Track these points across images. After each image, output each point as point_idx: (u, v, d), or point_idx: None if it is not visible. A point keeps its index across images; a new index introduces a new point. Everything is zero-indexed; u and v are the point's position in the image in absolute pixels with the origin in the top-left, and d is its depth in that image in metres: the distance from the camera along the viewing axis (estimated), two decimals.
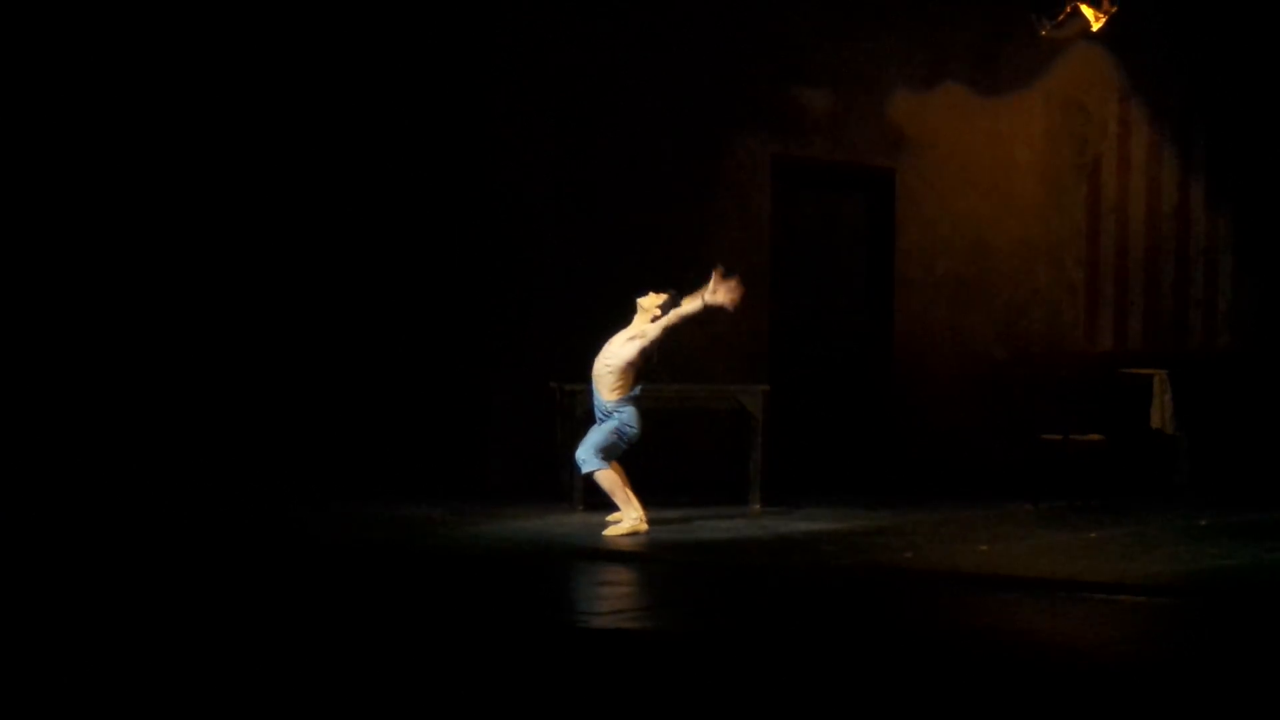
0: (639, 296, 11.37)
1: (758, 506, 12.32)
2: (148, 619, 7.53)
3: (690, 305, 11.18)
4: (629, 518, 11.08)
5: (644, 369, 11.26)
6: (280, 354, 13.78)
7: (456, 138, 13.55)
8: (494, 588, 8.90)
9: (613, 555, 10.12)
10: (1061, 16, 14.43)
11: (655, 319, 11.23)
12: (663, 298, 11.30)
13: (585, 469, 11.21)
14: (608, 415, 11.17)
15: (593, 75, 13.61)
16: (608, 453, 11.17)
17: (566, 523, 11.45)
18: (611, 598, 8.82)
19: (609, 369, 11.15)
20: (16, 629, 7.19)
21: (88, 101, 13.25)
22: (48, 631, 7.19)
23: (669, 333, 11.20)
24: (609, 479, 11.14)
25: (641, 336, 11.18)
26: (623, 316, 13.45)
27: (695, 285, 11.26)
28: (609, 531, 11.01)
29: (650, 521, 11.16)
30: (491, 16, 13.43)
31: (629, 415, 11.14)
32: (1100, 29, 14.61)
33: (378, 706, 5.93)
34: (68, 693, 6.01)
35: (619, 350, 11.16)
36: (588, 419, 11.85)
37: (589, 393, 11.39)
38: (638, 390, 11.20)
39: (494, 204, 13.37)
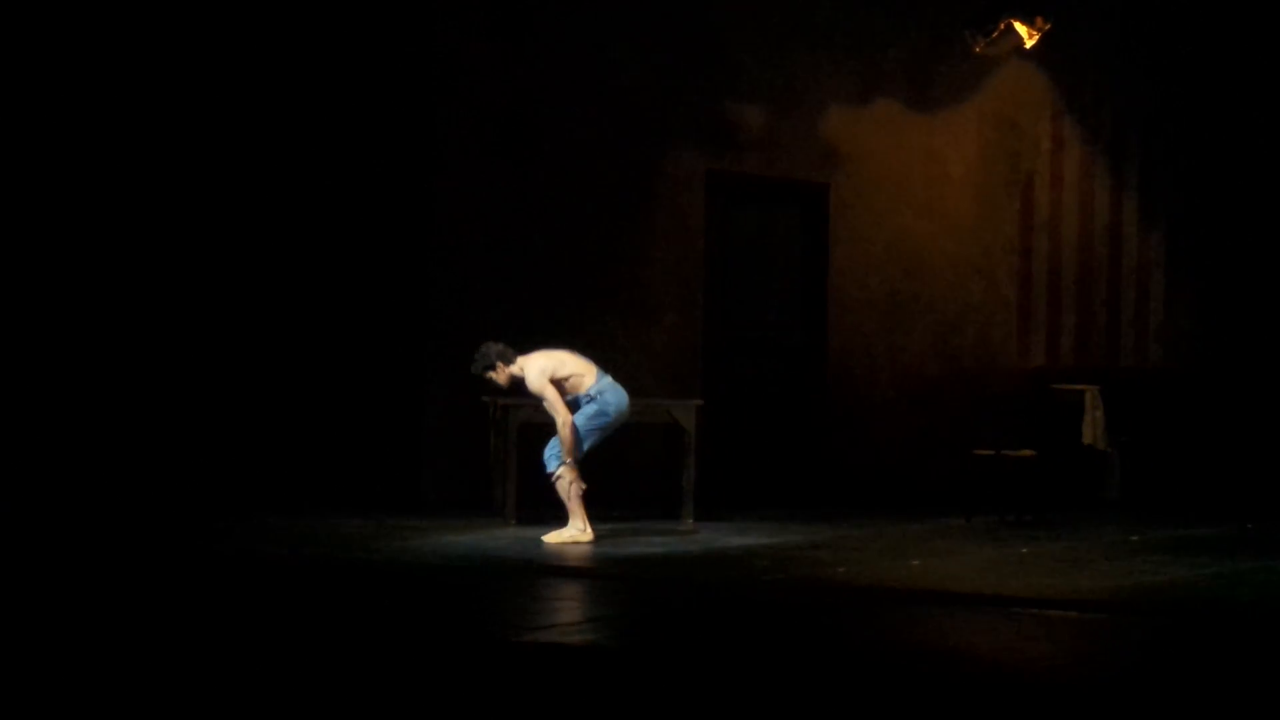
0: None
1: (691, 521, 12.31)
2: (65, 637, 7.45)
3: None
4: (573, 526, 11.04)
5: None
6: (213, 365, 13.70)
7: (394, 151, 13.50)
8: (425, 602, 8.85)
9: (546, 570, 10.08)
10: (995, 33, 14.50)
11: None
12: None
13: (549, 468, 11.17)
14: (589, 401, 11.20)
15: (530, 90, 13.59)
16: (585, 437, 11.13)
17: (500, 537, 11.40)
18: (544, 612, 8.79)
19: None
20: None
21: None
22: None
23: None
24: (566, 484, 11.09)
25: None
26: (559, 332, 13.45)
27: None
28: (548, 537, 10.99)
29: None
30: (431, 30, 13.38)
31: (609, 392, 11.16)
32: (1034, 46, 14.69)
33: None
34: None
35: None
36: (522, 433, 11.83)
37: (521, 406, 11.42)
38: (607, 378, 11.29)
39: (431, 217, 13.32)
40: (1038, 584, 9.54)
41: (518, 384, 11.27)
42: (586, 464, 11.38)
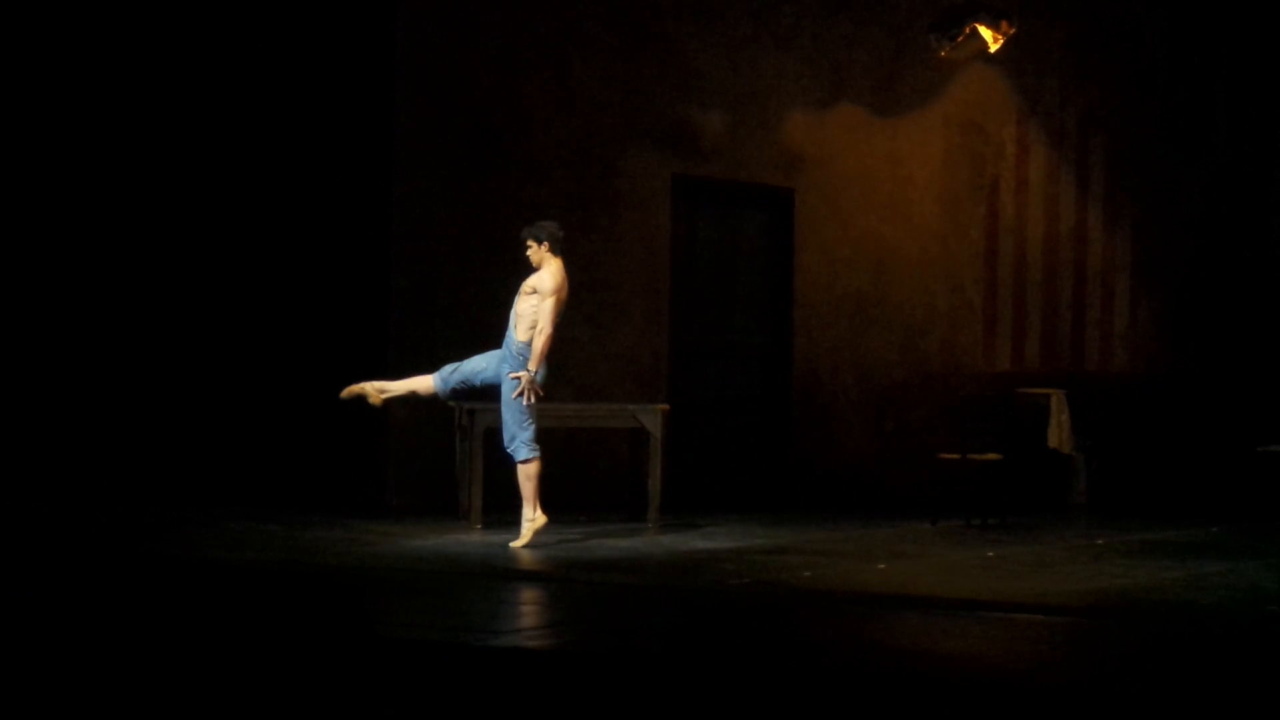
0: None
1: (656, 525, 12.28)
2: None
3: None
4: (527, 519, 11.00)
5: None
6: (178, 367, 13.67)
7: (355, 155, 13.45)
8: (390, 607, 8.80)
9: (511, 574, 10.05)
10: (960, 38, 14.51)
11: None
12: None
13: (518, 457, 11.04)
14: (513, 356, 11.04)
15: (493, 93, 13.55)
16: (530, 418, 11.03)
17: (465, 541, 11.36)
18: (508, 616, 8.76)
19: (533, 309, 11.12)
20: None
21: None
22: None
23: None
24: (530, 472, 10.99)
25: (541, 297, 11.10)
26: None
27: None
28: (515, 544, 10.94)
29: (550, 540, 11.10)
30: (393, 34, 13.34)
31: (539, 372, 11.07)
32: (998, 50, 14.71)
33: None
34: None
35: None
36: (488, 437, 11.77)
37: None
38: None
39: (393, 220, 13.27)
40: (1004, 587, 9.54)
41: (537, 274, 11.11)
42: (550, 468, 11.35)
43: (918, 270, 15.82)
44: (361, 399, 11.17)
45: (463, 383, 11.25)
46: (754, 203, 15.10)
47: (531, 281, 11.14)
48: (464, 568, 10.22)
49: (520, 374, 10.98)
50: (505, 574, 10.04)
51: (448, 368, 11.27)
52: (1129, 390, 15.76)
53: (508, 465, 12.48)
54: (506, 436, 11.12)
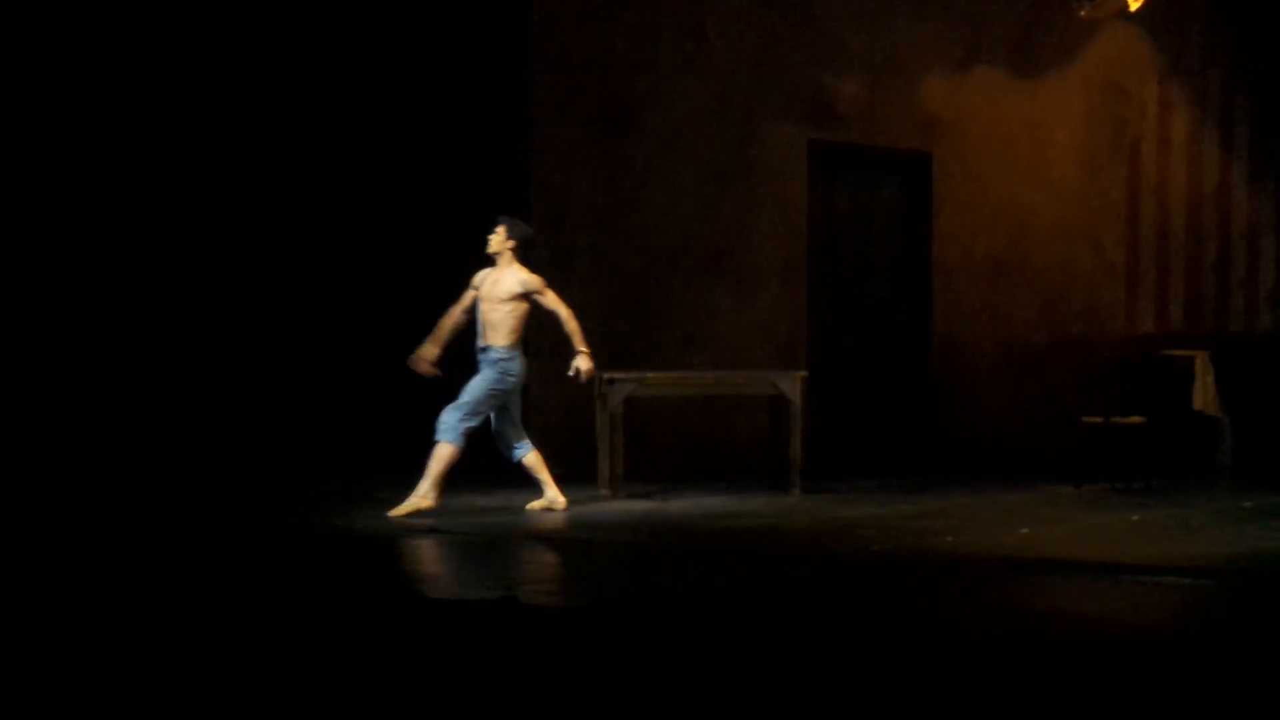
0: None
1: (797, 492, 12.28)
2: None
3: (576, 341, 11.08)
4: (419, 493, 10.78)
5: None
6: (311, 343, 13.93)
7: (493, 127, 13.54)
8: (526, 573, 8.89)
9: (654, 543, 10.07)
10: None
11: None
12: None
13: (444, 437, 10.82)
14: (493, 364, 10.98)
15: (629, 65, 13.58)
16: (480, 413, 10.94)
17: (607, 509, 11.40)
18: (652, 587, 8.78)
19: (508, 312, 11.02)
20: None
21: (79, 102, 13.49)
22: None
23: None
24: (444, 455, 10.82)
25: (540, 294, 11.06)
26: (663, 305, 13.48)
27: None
28: (392, 512, 10.74)
29: (691, 508, 11.13)
30: (527, 5, 13.40)
31: (515, 366, 11.01)
32: (1138, 9, 14.51)
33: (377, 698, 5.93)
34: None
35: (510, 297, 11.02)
36: (627, 406, 11.83)
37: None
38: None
39: (531, 192, 13.33)
40: (1148, 551, 9.46)
41: (509, 281, 10.99)
42: (691, 436, 11.36)
43: (1058, 233, 15.70)
44: (417, 514, 10.73)
45: (476, 421, 10.97)
46: (891, 168, 15.05)
47: (504, 290, 11.00)
48: (602, 531, 10.31)
49: (584, 365, 11.03)
50: (648, 543, 10.08)
51: (454, 421, 10.85)
52: (1275, 351, 15.52)
53: (647, 433, 12.57)
54: (450, 408, 10.89)
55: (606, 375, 12.01)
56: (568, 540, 10.16)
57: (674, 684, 6.05)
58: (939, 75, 15.01)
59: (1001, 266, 15.40)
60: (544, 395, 13.11)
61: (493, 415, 11.11)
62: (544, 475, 11.27)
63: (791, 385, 12.39)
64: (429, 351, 11.16)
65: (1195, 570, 8.77)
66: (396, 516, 10.71)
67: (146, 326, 13.90)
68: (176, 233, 14.02)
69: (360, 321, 14.02)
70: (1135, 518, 11.07)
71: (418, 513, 10.73)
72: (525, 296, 11.02)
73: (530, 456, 11.24)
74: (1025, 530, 10.44)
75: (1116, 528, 10.62)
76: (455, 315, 11.24)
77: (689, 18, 13.85)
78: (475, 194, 13.58)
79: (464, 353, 11.17)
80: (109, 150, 13.75)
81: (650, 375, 12.25)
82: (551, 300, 11.07)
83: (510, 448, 11.24)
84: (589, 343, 11.18)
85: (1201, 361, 14.66)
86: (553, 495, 11.26)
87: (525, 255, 11.20)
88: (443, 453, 10.85)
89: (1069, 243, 15.75)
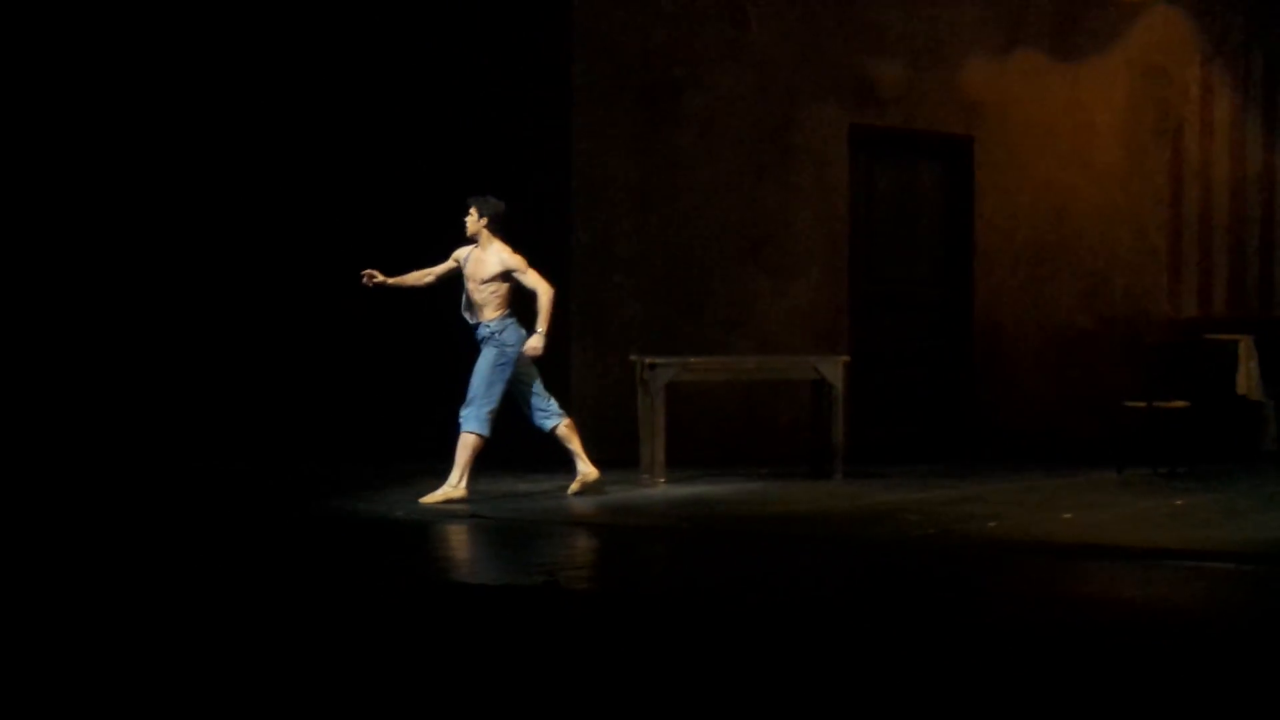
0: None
1: (840, 477, 12.27)
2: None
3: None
4: (451, 484, 10.83)
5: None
6: (354, 329, 13.97)
7: (535, 111, 13.53)
8: (563, 558, 8.91)
9: (696, 529, 10.08)
10: None
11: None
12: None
13: (467, 426, 10.84)
14: (486, 340, 10.97)
15: (669, 48, 13.57)
16: (498, 396, 10.91)
17: (651, 496, 11.42)
18: (695, 573, 8.79)
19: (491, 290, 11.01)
20: None
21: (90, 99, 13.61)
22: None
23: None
24: (470, 443, 10.83)
25: (521, 273, 11.01)
26: (703, 288, 13.47)
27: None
28: (425, 499, 10.78)
29: (734, 493, 11.11)
30: None
31: (511, 334, 10.98)
32: None
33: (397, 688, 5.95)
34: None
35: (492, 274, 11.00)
36: (670, 391, 11.83)
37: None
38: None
39: (573, 176, 13.33)
40: (1192, 536, 9.43)
41: (490, 260, 10.98)
42: (732, 421, 11.35)
43: (1100, 216, 15.64)
44: (448, 503, 10.75)
45: (495, 404, 10.92)
46: (932, 152, 15.01)
47: (487, 270, 10.98)
48: (646, 517, 10.32)
49: (533, 342, 10.95)
50: (689, 529, 10.08)
51: (474, 410, 10.86)
52: None
53: (688, 419, 12.55)
54: (466, 402, 10.90)
55: (649, 360, 12.01)
56: (609, 526, 10.17)
57: (716, 669, 6.05)
58: (980, 58, 14.96)
59: (1043, 251, 15.36)
60: (585, 382, 13.12)
61: (516, 392, 11.12)
62: (575, 445, 11.26)
63: (833, 370, 12.37)
64: (384, 276, 11.20)
65: (1238, 555, 8.74)
66: (429, 504, 10.77)
67: (176, 315, 14.05)
68: (211, 221, 14.14)
69: (393, 307, 14.02)
70: (1178, 503, 11.04)
71: (449, 501, 10.78)
72: (507, 276, 11.03)
73: (562, 426, 11.23)
74: (1068, 515, 10.41)
75: (1159, 513, 10.59)
76: (426, 272, 11.31)
77: (730, 1, 13.82)
78: (516, 179, 13.57)
79: (464, 351, 11.16)
80: (129, 145, 13.90)
81: (692, 360, 12.25)
82: (532, 279, 11.02)
83: (542, 416, 11.22)
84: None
85: (1245, 346, 14.58)
86: (584, 468, 11.27)
87: (501, 229, 11.15)
88: (468, 441, 10.88)
89: (1111, 226, 15.69)
